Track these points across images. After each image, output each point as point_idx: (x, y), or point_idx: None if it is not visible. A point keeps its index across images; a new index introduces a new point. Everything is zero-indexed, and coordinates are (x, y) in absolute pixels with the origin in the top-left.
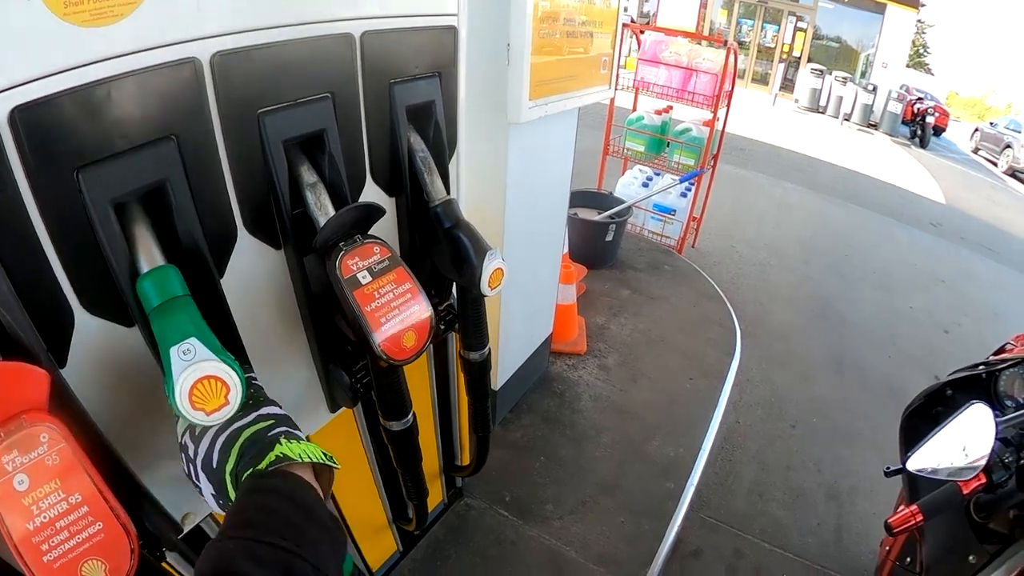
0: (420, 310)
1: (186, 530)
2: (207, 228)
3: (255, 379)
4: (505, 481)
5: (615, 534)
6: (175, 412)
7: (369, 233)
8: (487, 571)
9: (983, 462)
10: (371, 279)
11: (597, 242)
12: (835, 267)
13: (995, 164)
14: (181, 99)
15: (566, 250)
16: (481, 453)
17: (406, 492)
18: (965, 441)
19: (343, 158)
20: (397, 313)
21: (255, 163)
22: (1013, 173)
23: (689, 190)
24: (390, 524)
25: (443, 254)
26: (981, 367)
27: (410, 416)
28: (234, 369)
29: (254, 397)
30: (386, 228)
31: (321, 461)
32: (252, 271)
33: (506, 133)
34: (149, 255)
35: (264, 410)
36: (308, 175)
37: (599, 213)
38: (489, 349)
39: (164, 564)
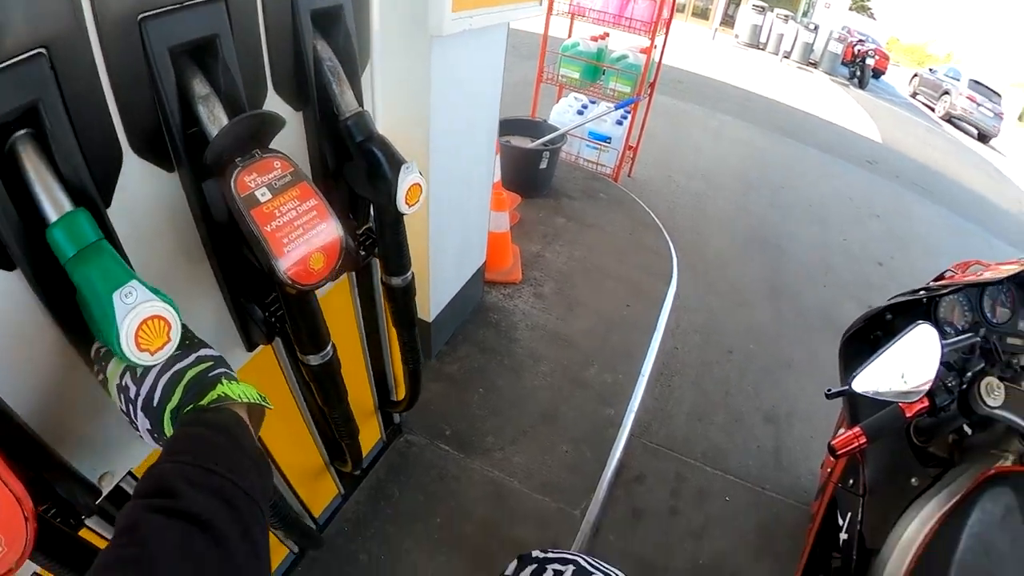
0: (328, 229)
1: (105, 492)
2: (88, 152)
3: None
4: (444, 415)
5: (557, 462)
6: (120, 357)
7: (270, 147)
8: (431, 507)
9: (928, 385)
10: (271, 196)
11: (530, 170)
12: (772, 199)
13: (932, 109)
14: (49, 6)
15: (498, 178)
16: (414, 386)
17: (336, 431)
18: (910, 363)
19: (240, 68)
20: (301, 233)
21: (139, 75)
22: (950, 119)
23: (625, 118)
24: (328, 467)
25: (357, 171)
26: (922, 292)
27: (329, 349)
28: (171, 305)
29: (189, 338)
30: (293, 145)
31: (257, 402)
32: (143, 198)
33: (428, 48)
34: (53, 199)
35: (202, 351)
36: (200, 87)
37: (532, 141)
38: (412, 274)
39: (85, 530)
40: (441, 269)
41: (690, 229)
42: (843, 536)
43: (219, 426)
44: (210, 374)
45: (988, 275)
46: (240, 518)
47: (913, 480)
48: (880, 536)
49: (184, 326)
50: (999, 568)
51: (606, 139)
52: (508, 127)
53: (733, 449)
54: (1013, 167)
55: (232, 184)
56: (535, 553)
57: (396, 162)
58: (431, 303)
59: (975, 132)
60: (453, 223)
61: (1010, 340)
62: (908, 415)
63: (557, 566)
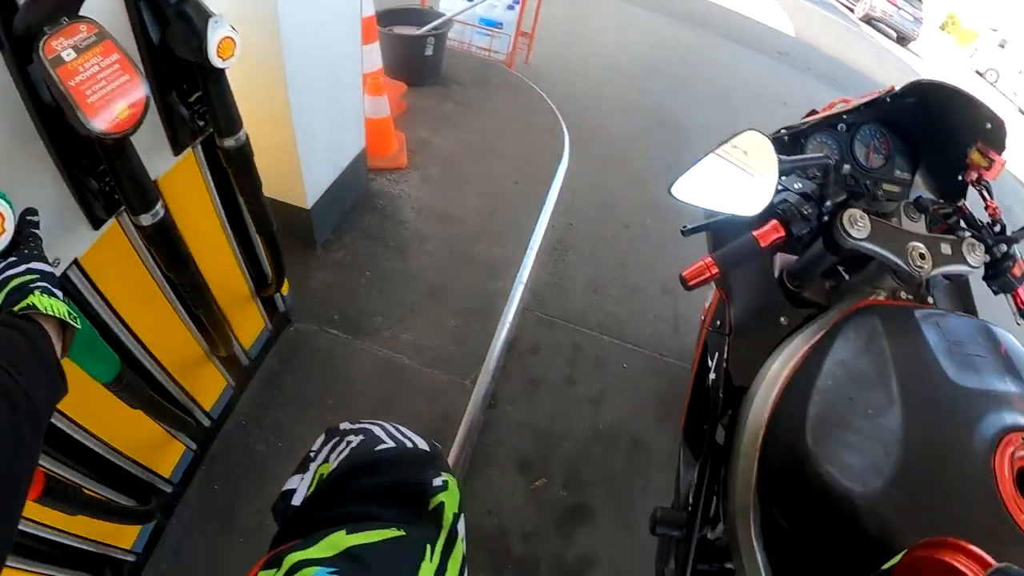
0: (132, 82)
1: None
2: None
3: (37, 226)
4: (332, 301)
5: (447, 336)
6: None
7: (80, 14)
8: (324, 391)
9: (766, 198)
10: (76, 56)
11: (416, 58)
12: (677, 86)
13: (852, 11)
14: None
15: (380, 66)
16: (275, 258)
17: (190, 302)
18: (746, 174)
19: None
20: (105, 85)
21: None
22: (869, 20)
23: (516, 3)
24: (209, 357)
25: (175, 34)
26: (783, 131)
27: (160, 208)
28: (4, 199)
29: (33, 248)
30: (111, 15)
31: (63, 317)
32: None
33: None
34: None
35: (35, 264)
36: None
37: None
38: (246, 135)
39: None
40: (312, 155)
41: (589, 112)
42: (711, 376)
43: (22, 331)
44: (30, 284)
45: (840, 106)
46: (14, 413)
47: (783, 319)
48: (748, 374)
49: (38, 240)
50: (861, 392)
51: (497, 24)
52: (395, 17)
53: (630, 319)
54: (929, 69)
55: (40, 50)
56: (342, 426)
57: (204, 16)
58: (307, 190)
59: (894, 35)
60: (319, 110)
61: (886, 187)
62: (763, 244)
63: (351, 436)
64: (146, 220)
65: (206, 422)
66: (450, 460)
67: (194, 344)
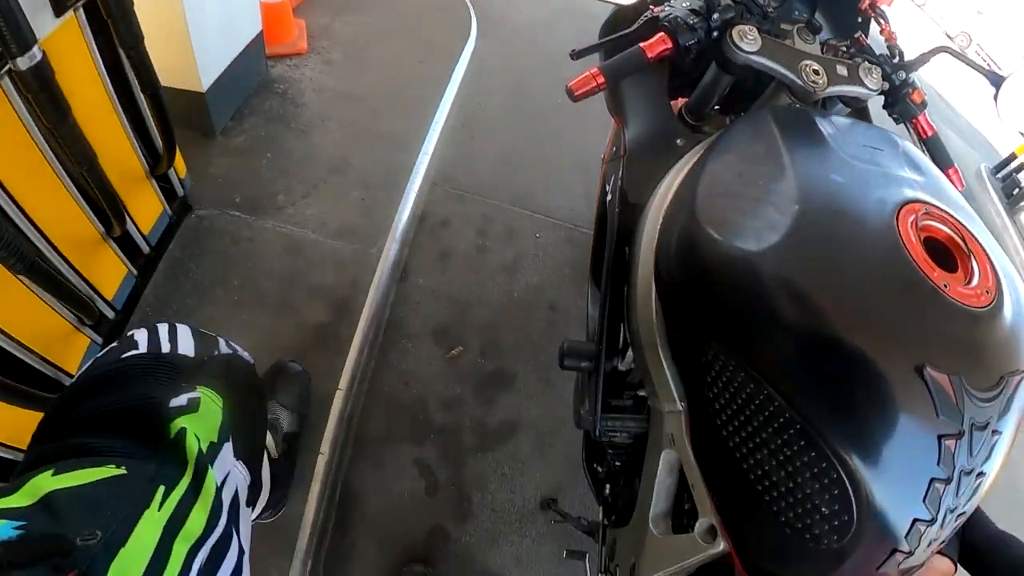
0: None
1: None
2: None
3: None
4: (233, 185)
5: (352, 209)
6: None
7: None
8: (228, 272)
9: None
10: None
11: None
12: None
13: None
14: None
15: None
16: (164, 126)
17: (75, 160)
18: None
19: None
20: None
21: None
22: None
23: None
24: (106, 240)
25: None
26: None
27: (36, 51)
28: None
29: None
30: None
31: None
32: None
33: None
34: None
35: None
36: None
37: None
38: None
39: None
40: (204, 37)
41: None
42: (608, 199)
43: None
44: None
45: None
46: None
47: (679, 141)
48: (643, 192)
49: None
50: (752, 167)
51: None
52: None
53: (542, 192)
54: None
55: None
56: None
57: None
58: (200, 74)
59: None
60: None
61: (783, 26)
62: (650, 56)
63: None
64: (24, 64)
65: (110, 314)
66: (361, 331)
67: (87, 223)
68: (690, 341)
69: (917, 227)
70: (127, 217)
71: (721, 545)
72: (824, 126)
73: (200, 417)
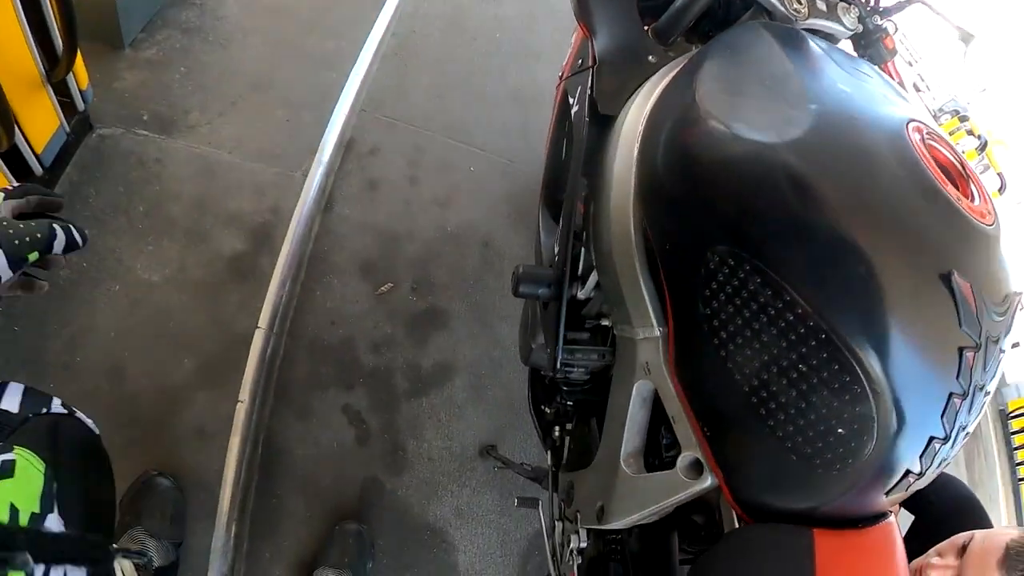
0: None
1: None
2: None
3: None
4: (140, 101)
5: (274, 130)
6: None
7: None
8: (133, 197)
9: None
10: None
11: None
12: None
13: None
14: None
15: None
16: (66, 16)
17: None
18: None
19: None
20: None
21: None
22: None
23: None
24: None
25: None
26: None
27: None
28: None
29: None
30: None
31: None
32: None
33: None
34: None
35: None
36: None
37: None
38: None
39: None
40: None
41: None
42: (573, 110)
43: None
44: None
45: None
46: None
47: (651, 58)
48: (615, 102)
49: None
50: (754, 67)
51: None
52: None
53: (476, 126)
54: None
55: None
56: None
57: None
58: None
59: None
60: None
61: None
62: None
63: None
64: None
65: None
66: (282, 264)
67: None
68: (685, 252)
69: (925, 144)
70: (16, 128)
71: (708, 480)
72: (818, 43)
73: (16, 482)
